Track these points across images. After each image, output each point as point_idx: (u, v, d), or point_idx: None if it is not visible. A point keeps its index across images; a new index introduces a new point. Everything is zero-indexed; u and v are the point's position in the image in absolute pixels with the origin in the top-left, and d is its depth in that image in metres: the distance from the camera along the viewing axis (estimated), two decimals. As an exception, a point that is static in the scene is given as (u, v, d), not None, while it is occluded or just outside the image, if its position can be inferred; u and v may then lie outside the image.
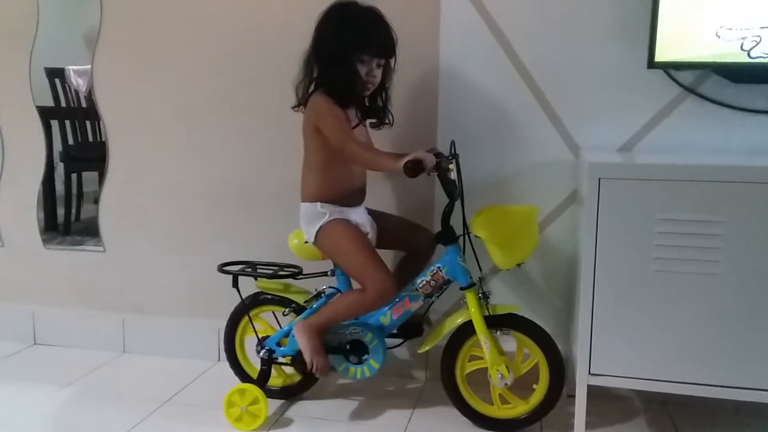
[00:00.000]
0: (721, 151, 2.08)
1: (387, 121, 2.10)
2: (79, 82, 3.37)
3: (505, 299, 2.25)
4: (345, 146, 1.94)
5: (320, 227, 2.01)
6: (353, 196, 2.09)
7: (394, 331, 2.11)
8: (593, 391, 1.83)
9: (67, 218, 3.51)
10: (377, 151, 2.00)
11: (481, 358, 2.02)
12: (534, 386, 2.03)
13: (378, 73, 2.00)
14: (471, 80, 2.26)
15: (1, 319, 2.79)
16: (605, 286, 1.79)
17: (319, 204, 2.03)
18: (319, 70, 2.00)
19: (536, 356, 2.01)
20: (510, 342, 2.04)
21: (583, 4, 2.14)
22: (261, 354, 2.15)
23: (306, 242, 2.09)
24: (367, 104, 2.07)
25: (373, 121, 2.10)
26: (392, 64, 2.05)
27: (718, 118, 2.08)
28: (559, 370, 1.99)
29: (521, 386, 2.03)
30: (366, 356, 2.07)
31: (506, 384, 1.99)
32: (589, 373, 1.82)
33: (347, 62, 1.95)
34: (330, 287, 2.14)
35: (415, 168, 1.81)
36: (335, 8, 1.99)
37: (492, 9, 2.21)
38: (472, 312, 1.98)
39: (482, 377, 2.03)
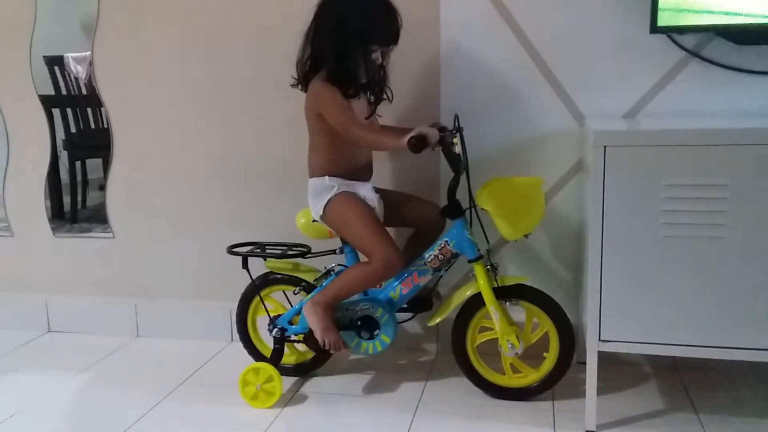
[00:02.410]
0: (727, 114, 2.07)
1: (385, 96, 2.10)
2: (78, 69, 3.36)
3: (513, 270, 2.26)
4: (349, 131, 1.95)
5: (328, 200, 2.02)
6: (360, 172, 2.10)
7: (404, 306, 2.12)
8: (603, 357, 1.84)
9: (73, 206, 3.52)
10: (380, 131, 2.01)
11: (492, 329, 2.04)
12: (544, 354, 2.06)
13: (383, 58, 2.01)
14: (473, 52, 2.25)
15: (14, 308, 2.82)
16: (613, 252, 1.79)
17: (327, 178, 2.04)
18: (325, 54, 1.98)
19: (546, 325, 2.03)
20: (519, 312, 2.06)
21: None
22: (273, 333, 2.18)
23: (313, 221, 2.10)
24: (369, 88, 2.06)
25: (373, 99, 2.09)
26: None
27: (722, 81, 2.07)
28: (569, 337, 2.01)
29: (532, 355, 2.06)
30: (377, 331, 2.09)
31: (517, 353, 2.01)
32: (600, 339, 1.83)
33: (356, 52, 1.95)
34: (339, 265, 2.15)
35: (418, 144, 1.81)
36: None
37: (491, -21, 2.20)
38: (481, 284, 2.00)
39: (493, 348, 2.05)
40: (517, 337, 2.00)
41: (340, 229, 2.07)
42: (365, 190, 2.07)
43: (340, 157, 2.05)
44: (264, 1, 2.39)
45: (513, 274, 2.08)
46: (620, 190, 1.76)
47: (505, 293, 2.02)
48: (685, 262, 1.75)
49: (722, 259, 1.73)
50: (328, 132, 2.01)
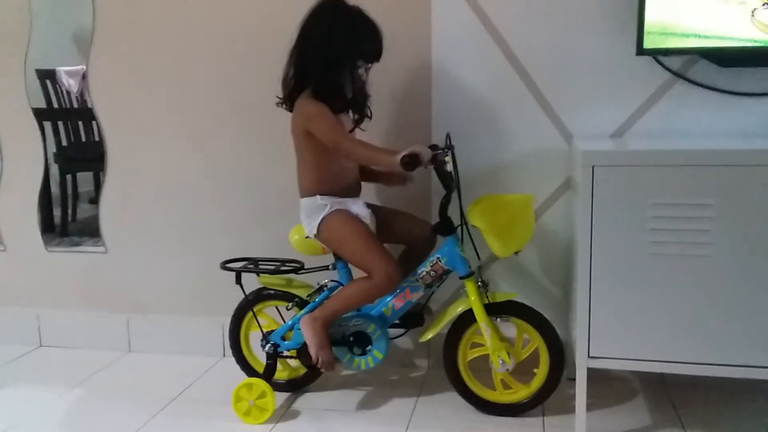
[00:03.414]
0: (712, 134, 2.12)
1: (368, 114, 2.13)
2: (70, 83, 3.38)
3: (504, 287, 2.29)
4: (340, 145, 1.97)
5: (322, 219, 2.04)
6: (350, 189, 2.12)
7: (396, 322, 2.15)
8: (593, 374, 1.87)
9: (63, 219, 3.52)
10: (373, 146, 2.03)
11: (482, 345, 2.07)
12: (535, 371, 2.08)
13: (365, 75, 2.05)
14: (463, 72, 2.29)
15: (6, 323, 2.81)
16: (602, 270, 1.83)
17: (318, 197, 2.06)
18: (309, 72, 2.01)
19: (536, 341, 2.06)
20: (510, 328, 2.09)
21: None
22: (266, 348, 2.19)
23: (307, 237, 2.12)
24: (354, 104, 2.09)
25: (356, 117, 2.12)
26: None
27: (707, 102, 2.12)
28: (559, 354, 2.03)
29: (522, 371, 2.08)
30: (369, 347, 2.11)
31: (507, 369, 2.04)
32: (589, 355, 1.86)
33: (341, 68, 1.98)
34: (332, 281, 2.17)
35: (411, 162, 1.84)
36: (324, 8, 2.00)
37: (482, 0, 2.23)
38: (472, 300, 2.03)
39: (484, 364, 2.08)
40: (507, 353, 2.03)
41: (336, 246, 2.09)
42: (357, 207, 2.10)
43: (329, 175, 2.07)
44: (258, 22, 2.42)
45: (504, 290, 2.11)
46: (608, 208, 1.80)
47: (496, 309, 2.05)
48: (672, 280, 1.79)
49: (708, 276, 1.77)
50: (315, 150, 2.04)
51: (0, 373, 2.54)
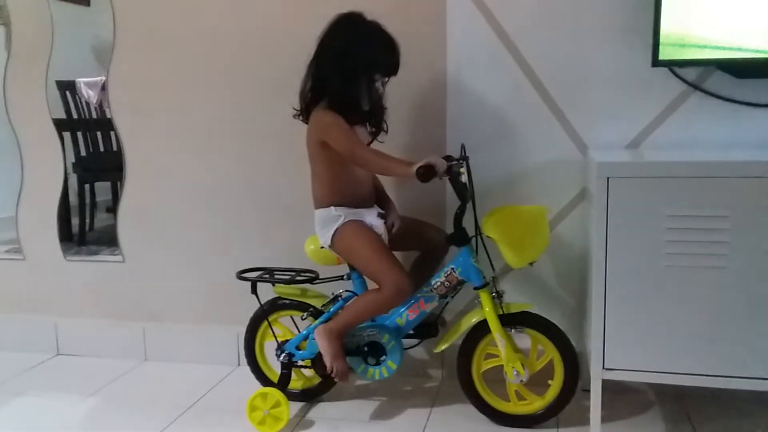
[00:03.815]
0: (728, 145, 2.11)
1: (384, 127, 2.14)
2: (89, 94, 3.42)
3: (518, 298, 2.28)
4: (356, 154, 1.99)
5: (336, 230, 2.06)
6: (363, 199, 2.14)
7: (410, 332, 2.15)
8: (608, 385, 1.87)
9: (81, 228, 3.57)
10: (388, 156, 2.04)
11: (497, 356, 2.06)
12: (549, 382, 2.08)
13: (381, 89, 2.06)
14: (478, 84, 2.30)
15: (24, 331, 2.84)
16: (616, 281, 1.82)
17: (333, 208, 2.08)
18: (326, 85, 2.03)
19: (550, 352, 2.05)
20: (524, 339, 2.09)
21: (585, 3, 2.18)
22: (281, 358, 2.20)
23: (322, 247, 2.14)
24: (370, 117, 2.11)
25: (373, 130, 2.14)
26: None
27: (723, 113, 2.11)
28: (574, 365, 2.03)
29: (537, 383, 2.08)
30: (383, 357, 2.11)
31: (522, 381, 2.04)
32: (604, 367, 1.86)
33: (359, 81, 2.00)
34: (346, 291, 2.18)
35: (427, 173, 1.85)
36: (343, 22, 2.03)
37: (497, 12, 2.25)
38: (487, 311, 2.03)
39: (498, 375, 2.07)
40: (522, 364, 2.03)
41: (349, 257, 2.10)
42: (371, 218, 2.11)
43: (343, 186, 2.09)
44: (276, 34, 2.44)
45: (518, 301, 2.11)
46: (623, 220, 1.80)
47: (511, 320, 2.05)
48: (687, 291, 1.78)
49: (724, 288, 1.76)
50: (329, 161, 2.06)
51: (17, 381, 2.56)
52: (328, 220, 2.08)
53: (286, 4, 2.43)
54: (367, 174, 2.14)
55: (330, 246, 2.09)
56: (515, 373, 2.03)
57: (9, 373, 2.62)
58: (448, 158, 2.04)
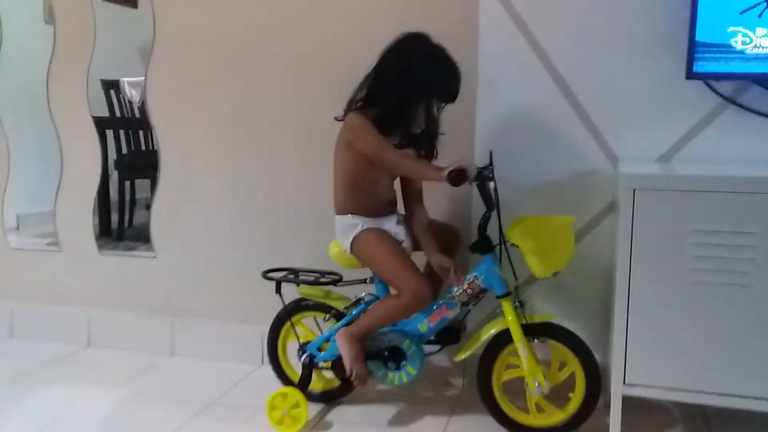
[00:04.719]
0: (761, 161, 2.06)
1: (434, 155, 2.12)
2: (132, 93, 3.50)
3: (541, 308, 2.26)
4: (384, 155, 2.00)
5: (354, 237, 2.07)
6: (383, 208, 2.14)
7: (432, 338, 2.14)
8: (630, 401, 1.83)
9: (120, 224, 3.64)
10: (419, 160, 2.05)
11: (518, 367, 2.04)
12: (570, 395, 2.05)
13: (434, 117, 2.06)
14: (509, 91, 2.29)
15: (58, 322, 2.92)
16: (641, 295, 1.80)
17: (350, 216, 2.09)
18: (381, 100, 2.02)
19: (573, 365, 2.02)
20: (546, 351, 2.06)
21: (619, 15, 2.15)
22: (302, 359, 2.22)
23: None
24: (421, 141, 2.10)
25: (422, 153, 2.12)
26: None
27: (758, 128, 2.06)
28: (596, 379, 1.99)
29: (557, 395, 2.05)
30: (404, 362, 2.11)
31: (543, 393, 2.01)
32: (624, 383, 1.83)
33: (414, 103, 2.00)
34: (369, 294, 2.19)
35: (458, 177, 1.84)
36: (409, 42, 2.03)
37: (529, 21, 2.24)
38: (509, 320, 2.01)
39: (519, 386, 2.05)
40: (543, 375, 2.00)
41: (368, 264, 2.12)
42: (390, 224, 2.12)
43: (363, 195, 2.10)
44: (310, 43, 2.48)
45: (541, 312, 2.09)
46: (649, 233, 1.77)
47: (533, 331, 2.03)
48: (713, 309, 1.75)
49: (751, 306, 1.72)
50: (352, 167, 2.07)
51: (47, 372, 2.62)
52: (346, 228, 2.10)
53: (326, 12, 2.46)
54: (387, 183, 2.14)
55: (350, 252, 2.11)
56: (536, 384, 2.00)
57: (40, 363, 2.69)
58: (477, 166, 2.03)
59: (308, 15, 2.48)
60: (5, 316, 2.99)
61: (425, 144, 2.11)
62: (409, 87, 1.99)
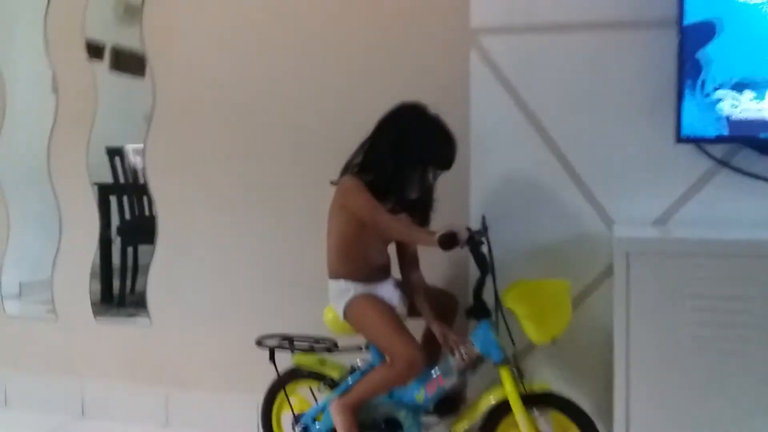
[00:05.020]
0: (758, 223, 2.03)
1: (428, 221, 2.12)
2: (137, 160, 3.54)
3: (541, 375, 2.21)
4: (377, 218, 1.99)
5: (347, 303, 2.05)
6: (376, 273, 2.12)
7: (430, 409, 2.09)
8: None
9: (121, 291, 3.62)
10: (410, 224, 2.04)
11: (518, 438, 1.98)
12: (573, 468, 1.97)
13: (429, 183, 2.06)
14: (501, 156, 2.30)
15: (51, 391, 2.87)
16: (640, 361, 1.77)
17: (343, 281, 2.07)
18: (376, 166, 2.03)
19: (574, 436, 1.96)
20: (547, 420, 2.00)
21: (607, 81, 2.18)
22: (297, 431, 2.16)
23: (340, 317, 2.12)
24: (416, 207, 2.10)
25: (416, 219, 2.11)
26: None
27: (752, 190, 2.06)
28: (599, 450, 1.93)
29: (559, 467, 1.98)
30: (401, 434, 2.06)
31: (544, 465, 1.95)
32: (628, 453, 1.77)
33: (410, 170, 2.01)
34: (364, 362, 2.14)
35: (449, 241, 1.83)
36: (405, 111, 2.05)
37: (520, 88, 2.26)
38: (508, 390, 1.95)
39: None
40: (544, 447, 1.94)
41: (360, 330, 2.09)
42: (384, 290, 2.10)
43: (355, 260, 2.08)
44: (311, 109, 2.52)
45: (541, 379, 2.03)
46: (645, 297, 1.76)
47: (533, 400, 1.97)
48: (714, 373, 1.71)
49: (751, 369, 1.67)
50: (345, 228, 2.06)
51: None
52: (339, 293, 2.08)
53: (322, 81, 2.50)
54: (381, 248, 2.13)
55: (343, 318, 2.08)
56: (537, 456, 1.94)
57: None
58: (469, 229, 2.02)
59: (305, 84, 2.52)
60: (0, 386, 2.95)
61: (419, 210, 2.11)
62: (404, 154, 2.00)
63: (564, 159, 2.23)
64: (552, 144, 2.24)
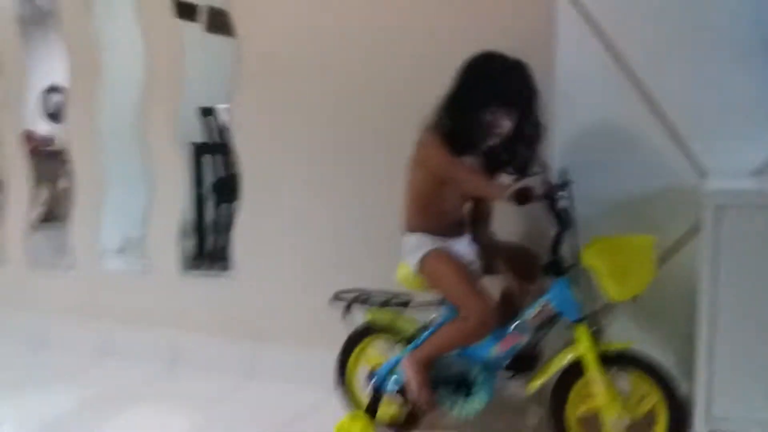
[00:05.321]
0: None
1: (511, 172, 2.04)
2: (227, 119, 3.63)
3: (619, 334, 2.10)
4: (450, 169, 1.96)
5: (422, 257, 2.02)
6: (453, 229, 2.08)
7: (504, 365, 2.04)
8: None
9: (215, 246, 3.75)
10: (484, 178, 1.99)
11: (593, 398, 1.90)
12: (653, 429, 1.89)
13: (505, 125, 1.96)
14: (588, 103, 2.18)
15: (144, 342, 3.01)
16: (728, 321, 1.67)
17: (419, 235, 2.04)
18: (452, 114, 1.99)
19: (654, 397, 1.88)
20: (626, 381, 1.92)
21: (708, 20, 2.01)
22: (371, 384, 2.17)
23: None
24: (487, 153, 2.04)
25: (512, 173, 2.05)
26: (533, 115, 1.99)
27: None
28: (680, 412, 1.84)
29: (638, 429, 1.90)
30: (473, 391, 2.02)
31: (622, 427, 1.87)
32: (711, 416, 1.66)
33: (472, 112, 1.94)
34: (439, 317, 2.12)
35: (522, 196, 1.77)
36: (476, 58, 1.99)
37: (610, 30, 2.12)
38: (584, 348, 1.89)
39: (594, 419, 1.92)
40: (622, 408, 1.86)
41: (434, 285, 2.06)
42: (459, 246, 2.06)
43: (432, 214, 2.05)
44: (386, 68, 2.48)
45: (619, 339, 1.94)
46: (736, 253, 1.64)
47: (611, 360, 1.90)
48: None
49: None
50: (422, 182, 2.04)
51: (130, 393, 2.72)
52: (414, 247, 2.05)
53: (404, 34, 2.45)
54: (458, 204, 2.09)
55: (417, 272, 2.05)
56: (615, 418, 1.86)
57: (125, 383, 2.80)
58: (546, 183, 1.93)
59: (386, 39, 2.47)
60: (99, 337, 3.12)
61: (506, 156, 2.03)
62: (473, 95, 1.95)
63: (656, 105, 2.08)
64: (643, 89, 2.09)
